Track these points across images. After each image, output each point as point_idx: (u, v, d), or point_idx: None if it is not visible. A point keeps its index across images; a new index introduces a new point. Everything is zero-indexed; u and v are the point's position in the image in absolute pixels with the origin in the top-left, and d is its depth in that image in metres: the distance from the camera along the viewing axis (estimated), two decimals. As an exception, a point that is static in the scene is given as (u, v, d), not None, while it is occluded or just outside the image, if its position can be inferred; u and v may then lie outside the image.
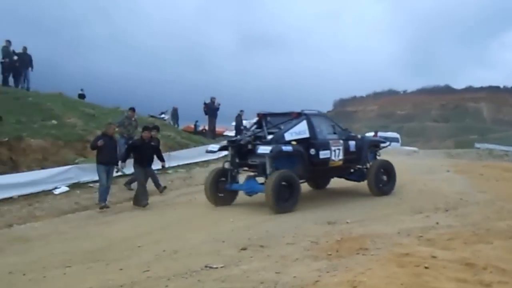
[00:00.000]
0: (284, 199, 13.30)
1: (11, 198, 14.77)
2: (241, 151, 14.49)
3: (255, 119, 15.88)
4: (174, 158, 20.33)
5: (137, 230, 11.68)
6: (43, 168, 16.80)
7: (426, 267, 7.01)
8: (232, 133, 35.25)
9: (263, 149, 13.30)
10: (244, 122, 32.10)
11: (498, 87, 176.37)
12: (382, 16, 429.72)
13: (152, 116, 31.77)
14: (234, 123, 38.56)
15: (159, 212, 13.92)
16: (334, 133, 15.19)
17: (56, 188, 16.04)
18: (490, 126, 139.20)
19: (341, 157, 14.92)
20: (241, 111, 31.45)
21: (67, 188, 16.21)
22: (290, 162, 14.02)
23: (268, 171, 13.55)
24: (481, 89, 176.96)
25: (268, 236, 9.91)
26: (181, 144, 24.66)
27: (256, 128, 15.31)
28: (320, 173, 15.36)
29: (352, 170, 16.11)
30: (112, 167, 14.68)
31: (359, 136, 16.43)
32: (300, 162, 14.20)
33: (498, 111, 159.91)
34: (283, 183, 13.32)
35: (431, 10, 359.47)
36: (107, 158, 14.41)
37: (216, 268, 7.60)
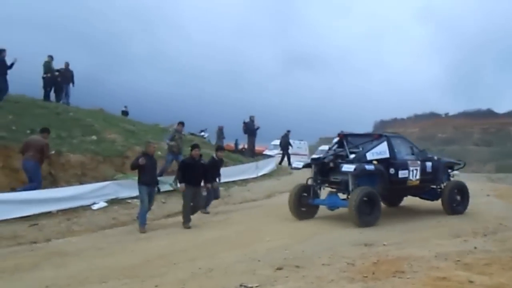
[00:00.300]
0: (366, 214, 14.04)
1: (50, 212, 14.89)
2: (323, 169, 15.26)
3: (336, 139, 16.68)
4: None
5: (174, 247, 11.73)
6: (82, 183, 16.95)
7: (462, 292, 6.94)
8: (272, 152, 35.52)
9: (347, 167, 14.16)
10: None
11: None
12: (425, 38, 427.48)
13: (192, 134, 31.95)
14: (273, 142, 38.78)
15: (195, 230, 13.93)
16: (412, 154, 16.08)
17: (94, 203, 16.13)
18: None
19: (418, 177, 15.71)
20: (288, 131, 32.71)
21: (105, 204, 16.31)
22: (370, 180, 14.74)
23: (350, 187, 14.36)
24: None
25: (304, 257, 9.84)
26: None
27: (337, 147, 15.96)
28: (397, 191, 16.21)
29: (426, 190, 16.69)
30: (154, 187, 14.66)
31: (435, 157, 16.91)
32: (380, 181, 14.95)
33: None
34: (365, 199, 14.01)
35: (474, 33, 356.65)
36: (149, 179, 14.23)
37: (251, 287, 7.58)
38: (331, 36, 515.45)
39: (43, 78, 25.07)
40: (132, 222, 14.84)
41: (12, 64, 20.60)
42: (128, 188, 17.02)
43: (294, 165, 17.76)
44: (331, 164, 15.04)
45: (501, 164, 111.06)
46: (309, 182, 15.75)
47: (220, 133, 34.47)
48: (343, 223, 14.18)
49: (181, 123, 19.95)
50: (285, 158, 31.62)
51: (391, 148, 15.34)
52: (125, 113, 35.58)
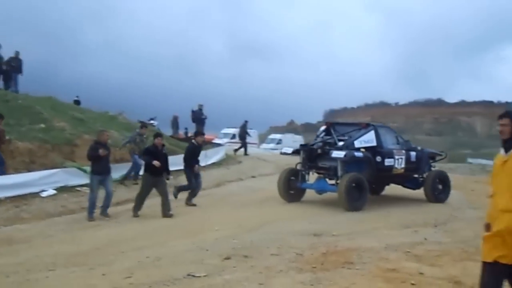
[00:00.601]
0: (355, 199, 14.72)
1: (-2, 199, 14.60)
2: (312, 155, 15.96)
3: (323, 127, 17.44)
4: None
5: (122, 235, 11.57)
6: (30, 171, 16.64)
7: (412, 284, 6.97)
8: (221, 141, 35.52)
9: (337, 154, 14.96)
10: (250, 132, 33.25)
11: (491, 102, 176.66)
12: (375, 28, 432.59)
13: (141, 122, 31.59)
14: (223, 131, 38.69)
15: (144, 219, 13.78)
16: (398, 143, 16.55)
17: (43, 191, 15.84)
18: (483, 141, 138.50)
19: (403, 165, 16.40)
20: (246, 121, 33.00)
21: (54, 191, 16.04)
22: (358, 167, 15.36)
23: (339, 173, 15.00)
24: (475, 103, 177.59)
25: (253, 246, 9.78)
26: (170, 150, 24.53)
27: (325, 135, 16.55)
28: (383, 179, 16.76)
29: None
30: (107, 176, 14.13)
31: (419, 147, 17.58)
32: (367, 168, 15.61)
33: (492, 126, 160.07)
34: (353, 184, 14.67)
35: (425, 22, 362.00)
36: (101, 168, 13.84)
37: (199, 277, 7.50)
38: (281, 26, 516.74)
39: (-9, 66, 24.61)
40: (81, 210, 14.60)
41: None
42: (77, 176, 16.89)
43: (283, 150, 18.44)
44: (319, 151, 15.76)
45: (452, 153, 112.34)
46: (298, 167, 16.32)
47: (175, 122, 34.20)
48: (293, 213, 14.22)
49: (144, 126, 19.84)
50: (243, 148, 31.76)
51: (378, 137, 15.89)
52: (77, 102, 35.06)
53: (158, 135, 15.09)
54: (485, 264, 5.14)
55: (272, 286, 6.92)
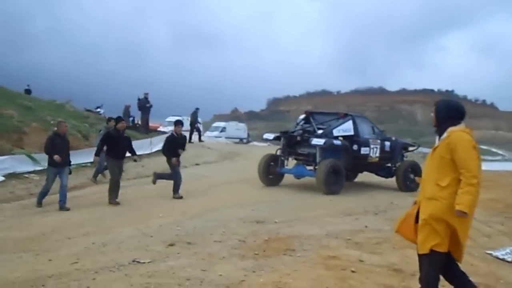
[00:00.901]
0: (333, 183, 15.29)
1: None
2: (291, 142, 16.49)
3: (303, 116, 17.91)
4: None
5: (69, 221, 11.31)
6: (-22, 157, 16.28)
7: (353, 271, 6.95)
8: (166, 129, 35.32)
9: (317, 141, 15.40)
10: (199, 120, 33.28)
11: (432, 90, 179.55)
12: (318, 18, 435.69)
13: (88, 110, 31.23)
14: (168, 119, 38.30)
15: (90, 205, 13.51)
16: (373, 133, 16.96)
17: (-9, 177, 15.51)
18: (424, 129, 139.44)
19: (378, 154, 16.98)
20: (197, 108, 33.35)
21: (2, 178, 15.76)
22: (335, 154, 15.84)
23: (318, 159, 15.56)
24: (415, 92, 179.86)
25: (196, 233, 9.70)
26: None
27: (304, 123, 17.32)
28: (358, 166, 17.44)
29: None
30: (64, 168, 13.28)
31: (393, 138, 18.05)
32: (344, 155, 16.15)
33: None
34: (331, 170, 15.23)
35: (367, 12, 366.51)
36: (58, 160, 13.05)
37: (144, 263, 7.41)
38: (224, 15, 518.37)
39: None
40: (30, 196, 14.36)
41: None
42: (25, 163, 16.68)
43: (264, 136, 19.09)
44: (299, 138, 16.20)
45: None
46: (278, 153, 16.91)
47: (127, 111, 33.84)
48: (236, 200, 14.12)
49: (112, 119, 19.31)
50: (194, 136, 31.76)
51: (355, 126, 16.44)
52: (28, 91, 34.53)
53: (120, 119, 14.68)
54: (422, 256, 5.12)
55: (215, 272, 6.85)
